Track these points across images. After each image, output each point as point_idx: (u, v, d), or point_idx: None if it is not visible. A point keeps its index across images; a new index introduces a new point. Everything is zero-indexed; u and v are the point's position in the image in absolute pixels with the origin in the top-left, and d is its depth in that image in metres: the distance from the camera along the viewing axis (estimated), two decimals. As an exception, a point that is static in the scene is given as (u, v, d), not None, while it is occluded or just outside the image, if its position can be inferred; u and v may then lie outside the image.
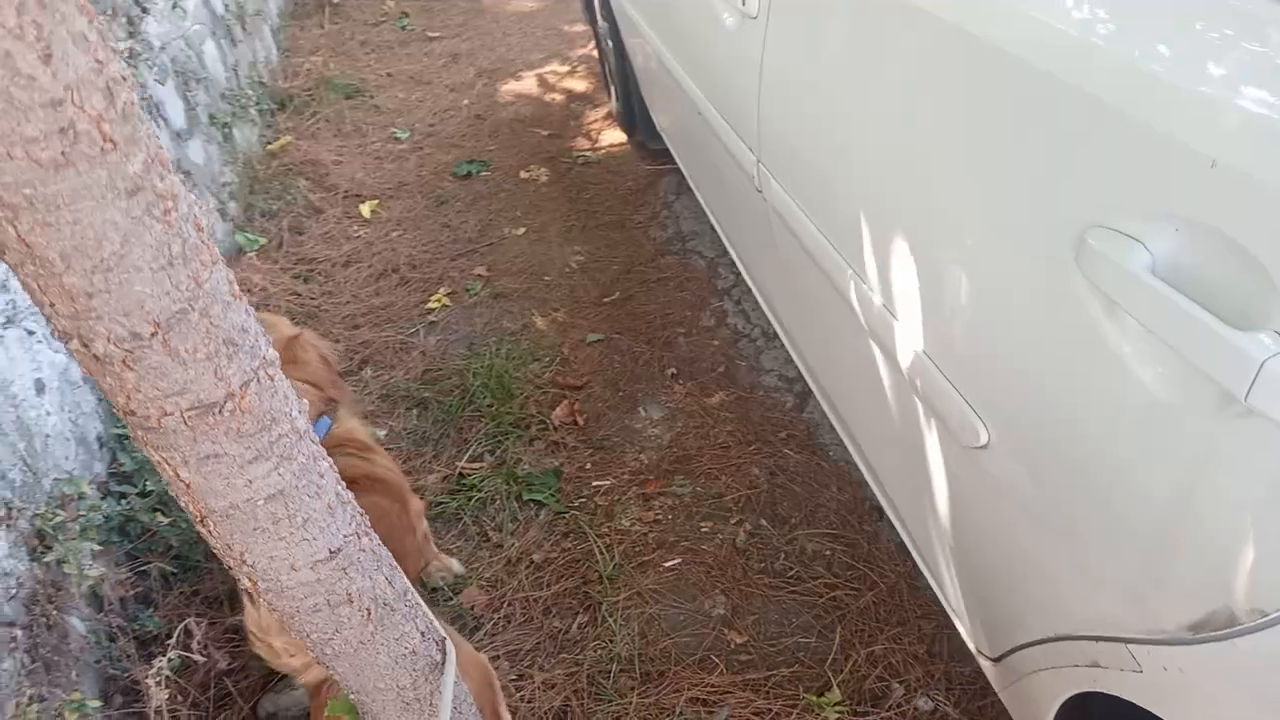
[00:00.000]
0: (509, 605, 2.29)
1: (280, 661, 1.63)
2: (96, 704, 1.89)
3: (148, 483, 2.39)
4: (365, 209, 3.95)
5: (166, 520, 2.36)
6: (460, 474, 2.67)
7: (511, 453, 2.72)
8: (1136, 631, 1.02)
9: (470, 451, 2.75)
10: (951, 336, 1.33)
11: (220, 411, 0.75)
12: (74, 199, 0.57)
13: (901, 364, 1.47)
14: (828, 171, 1.68)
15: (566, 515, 2.52)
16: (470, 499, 2.58)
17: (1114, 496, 1.02)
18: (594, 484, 2.61)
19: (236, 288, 0.74)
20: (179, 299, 0.68)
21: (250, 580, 0.92)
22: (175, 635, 2.19)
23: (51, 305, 0.63)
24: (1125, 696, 1.07)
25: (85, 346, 0.66)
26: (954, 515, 1.49)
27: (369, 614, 1.02)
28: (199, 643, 2.22)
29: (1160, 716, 1.02)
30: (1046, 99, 1.07)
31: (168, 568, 2.29)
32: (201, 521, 0.84)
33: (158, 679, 1.99)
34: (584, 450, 2.73)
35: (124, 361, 0.68)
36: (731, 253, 2.76)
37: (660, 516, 2.48)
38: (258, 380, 0.77)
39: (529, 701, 2.07)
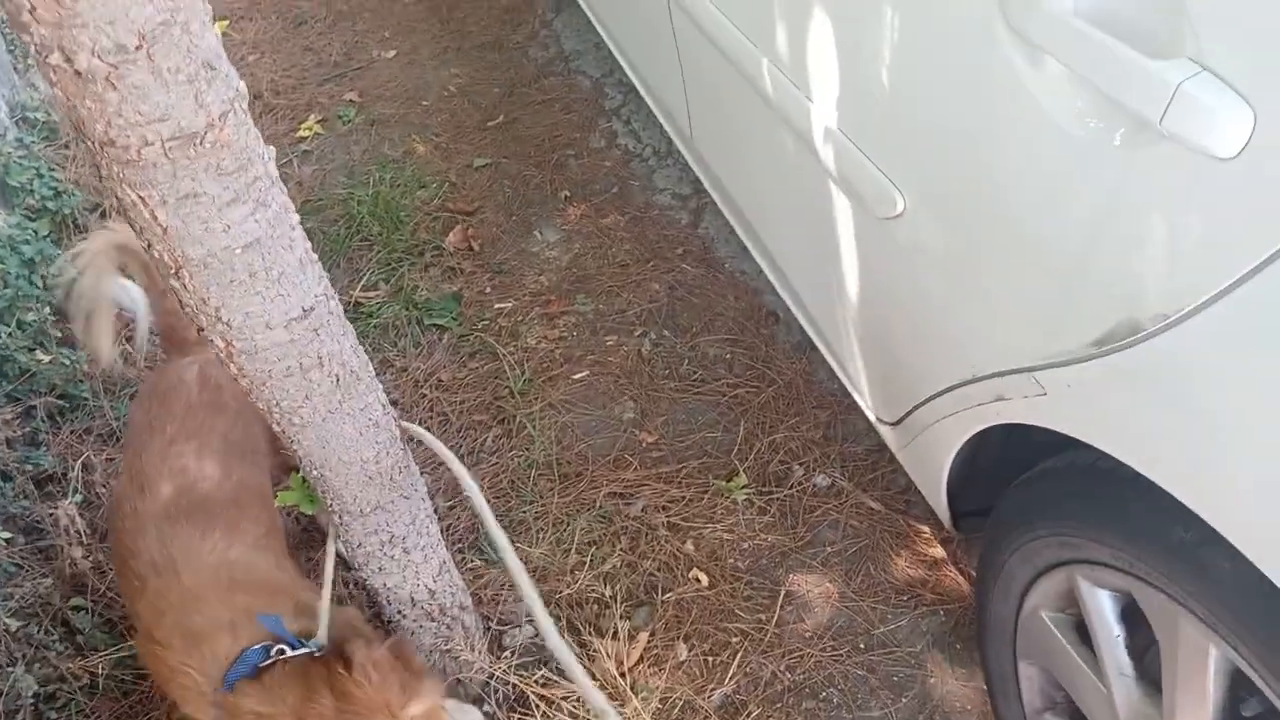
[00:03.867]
0: (422, 423, 2.31)
1: None
2: (7, 535, 1.83)
3: (19, 318, 2.25)
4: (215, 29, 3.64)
5: (46, 358, 2.24)
6: (356, 303, 2.63)
7: (408, 280, 2.69)
8: (1042, 358, 1.14)
9: (365, 280, 2.70)
10: (869, 109, 1.39)
11: (201, 143, 0.72)
12: None
13: (816, 145, 1.53)
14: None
15: (470, 337, 2.54)
16: (370, 325, 2.55)
17: (1027, 238, 1.12)
18: (495, 306, 2.62)
19: (209, 7, 0.70)
20: (162, 8, 0.64)
21: (224, 341, 0.91)
22: (75, 471, 2.13)
23: (33, 10, 0.59)
24: (1027, 420, 1.22)
25: (69, 61, 0.63)
26: (862, 289, 1.59)
27: (338, 380, 1.03)
28: (100, 477, 2.17)
29: (1060, 433, 1.16)
30: None
31: (55, 401, 2.19)
32: (176, 273, 0.82)
33: (69, 515, 1.95)
34: (482, 274, 2.72)
35: (108, 79, 0.64)
36: (625, 66, 2.72)
37: (565, 334, 2.53)
38: (234, 112, 0.75)
39: (453, 508, 2.13)
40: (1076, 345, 1.08)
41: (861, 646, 1.82)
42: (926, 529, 1.99)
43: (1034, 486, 1.31)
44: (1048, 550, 1.27)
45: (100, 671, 1.81)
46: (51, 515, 2.03)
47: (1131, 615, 1.18)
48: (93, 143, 0.70)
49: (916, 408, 1.55)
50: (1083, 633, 1.28)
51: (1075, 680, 1.30)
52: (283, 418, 1.05)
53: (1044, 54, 1.03)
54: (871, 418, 1.80)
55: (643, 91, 2.64)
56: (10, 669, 1.67)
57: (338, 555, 1.38)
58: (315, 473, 1.19)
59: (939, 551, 1.95)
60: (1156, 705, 1.16)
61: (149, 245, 0.80)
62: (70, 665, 1.77)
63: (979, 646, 1.57)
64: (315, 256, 0.94)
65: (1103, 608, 1.20)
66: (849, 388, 1.87)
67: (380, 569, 1.40)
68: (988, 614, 1.46)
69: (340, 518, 1.28)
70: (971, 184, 1.21)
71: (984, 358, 1.29)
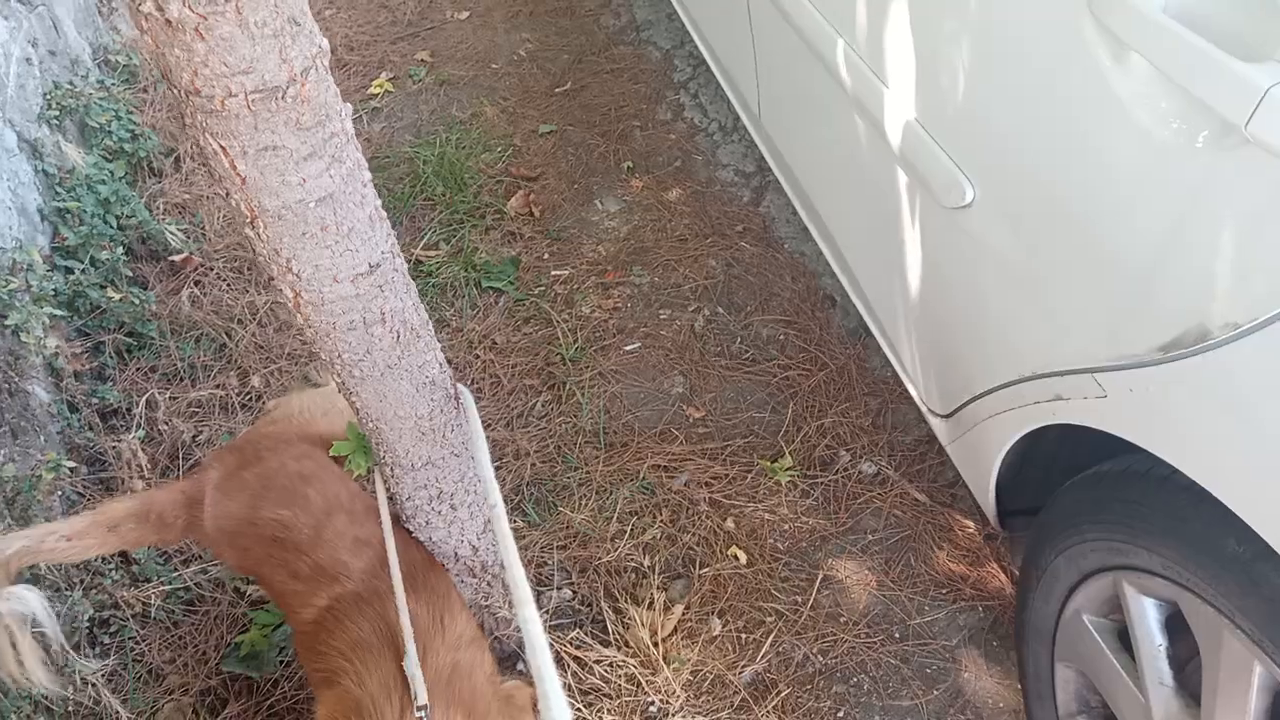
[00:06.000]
0: (474, 384, 2.35)
1: None
2: (71, 464, 1.91)
3: (93, 255, 2.32)
4: (294, -14, 3.70)
5: (117, 296, 2.32)
6: (416, 261, 2.67)
7: (468, 241, 2.72)
8: (1105, 360, 1.13)
9: (426, 239, 2.73)
10: (944, 97, 1.36)
11: (283, 97, 0.74)
12: None
13: (888, 132, 1.51)
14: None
15: (526, 302, 2.56)
16: (429, 284, 2.59)
17: (1100, 236, 1.10)
18: (553, 273, 2.64)
19: (298, -36, 0.72)
20: (254, -38, 0.66)
21: (293, 292, 0.93)
22: (139, 407, 2.20)
23: (130, -46, 0.61)
24: (1085, 423, 1.20)
25: (160, 9, 0.65)
26: (924, 278, 1.57)
27: (398, 336, 1.05)
28: (163, 415, 2.24)
29: (1117, 437, 1.14)
30: None
31: (124, 339, 2.26)
32: (251, 223, 0.85)
33: (132, 449, 2.01)
34: (541, 240, 2.74)
35: (197, 29, 0.66)
36: (696, 39, 2.70)
37: (619, 304, 2.54)
38: (316, 68, 0.76)
39: (499, 469, 2.16)
40: (1143, 349, 1.06)
41: (896, 636, 1.81)
42: (971, 524, 1.97)
43: (1086, 489, 1.29)
44: (1095, 554, 1.26)
45: (152, 602, 1.88)
46: (114, 448, 2.11)
47: (1175, 625, 1.17)
48: (178, 90, 0.72)
49: (970, 401, 1.54)
50: (1124, 639, 1.26)
51: (1112, 687, 1.29)
52: (344, 370, 1.08)
53: (1130, 51, 1.00)
54: (923, 409, 1.79)
55: (713, 66, 2.62)
56: (69, 593, 1.74)
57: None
58: (371, 425, 1.22)
59: (982, 548, 1.93)
60: (1194, 718, 1.14)
61: (227, 194, 0.82)
62: (125, 594, 1.85)
63: (1016, 645, 1.56)
64: (384, 214, 0.96)
65: (1147, 616, 1.19)
66: (902, 377, 1.86)
67: (427, 523, 1.43)
68: (1028, 613, 1.45)
69: (392, 471, 1.31)
70: (1045, 178, 1.19)
71: (1044, 355, 1.27)
